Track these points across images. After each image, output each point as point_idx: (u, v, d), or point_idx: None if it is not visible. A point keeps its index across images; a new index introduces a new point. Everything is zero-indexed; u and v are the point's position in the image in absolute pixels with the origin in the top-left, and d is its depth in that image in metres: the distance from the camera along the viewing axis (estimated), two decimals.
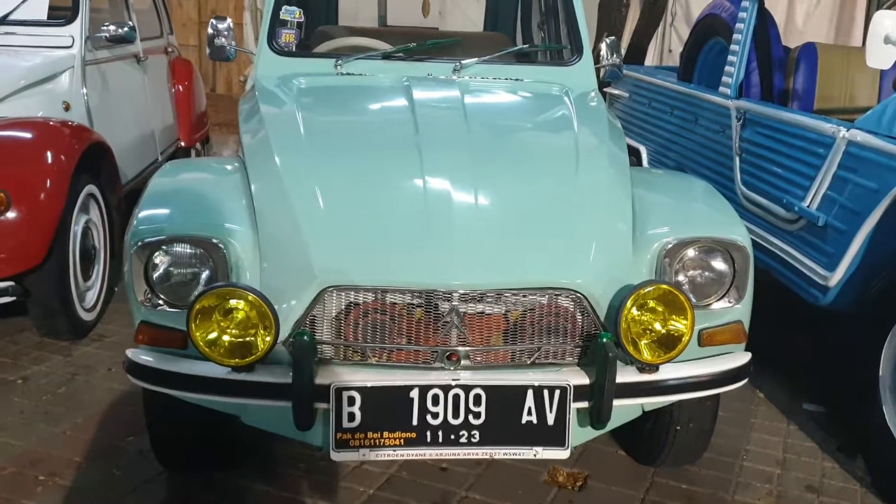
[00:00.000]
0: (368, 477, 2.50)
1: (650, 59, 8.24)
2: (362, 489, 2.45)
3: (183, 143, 5.68)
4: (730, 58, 3.71)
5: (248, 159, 2.32)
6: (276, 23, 3.17)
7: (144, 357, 1.98)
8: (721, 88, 3.74)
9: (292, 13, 3.23)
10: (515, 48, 3.47)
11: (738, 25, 3.67)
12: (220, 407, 2.03)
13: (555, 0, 3.99)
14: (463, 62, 3.03)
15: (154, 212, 2.11)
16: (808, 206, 2.93)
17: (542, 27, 4.09)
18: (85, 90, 4.01)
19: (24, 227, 3.00)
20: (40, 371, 3.17)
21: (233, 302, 1.84)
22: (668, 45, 9.18)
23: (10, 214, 2.98)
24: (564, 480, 2.53)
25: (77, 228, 3.37)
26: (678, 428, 2.38)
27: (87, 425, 2.79)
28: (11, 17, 3.98)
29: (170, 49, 5.74)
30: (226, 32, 3.16)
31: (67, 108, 3.83)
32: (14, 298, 3.07)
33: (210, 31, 3.16)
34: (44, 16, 4.03)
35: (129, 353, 2.01)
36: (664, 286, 1.91)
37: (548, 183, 2.21)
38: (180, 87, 5.72)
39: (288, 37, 3.20)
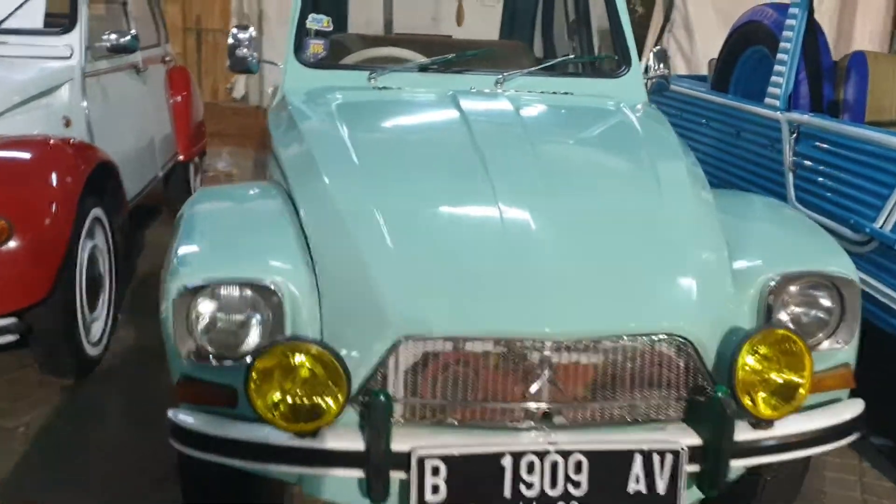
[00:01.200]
0: None
1: None
2: None
3: (181, 158, 5.40)
4: (777, 67, 3.51)
5: (294, 186, 2.08)
6: (303, 32, 2.92)
7: (190, 420, 1.72)
8: (767, 100, 3.54)
9: (320, 22, 2.98)
10: (563, 59, 3.25)
11: (787, 34, 3.47)
12: (279, 476, 1.77)
13: (585, 7, 3.79)
14: (506, 74, 2.80)
15: (195, 250, 1.86)
16: (881, 228, 2.73)
17: (574, 36, 3.88)
18: (85, 104, 3.73)
19: (29, 258, 2.72)
20: (44, 416, 2.88)
21: (297, 358, 1.59)
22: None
23: (13, 244, 2.69)
24: None
25: (84, 256, 3.09)
26: (768, 479, 2.16)
27: (103, 480, 2.51)
28: (4, 26, 3.69)
29: (167, 58, 5.46)
30: (248, 42, 2.91)
31: (68, 124, 3.55)
32: (17, 337, 2.78)
33: (231, 41, 2.91)
34: (39, 24, 3.75)
35: (171, 414, 1.75)
36: (782, 331, 1.70)
37: (633, 211, 1.99)
38: (178, 97, 5.44)
39: (316, 48, 2.95)
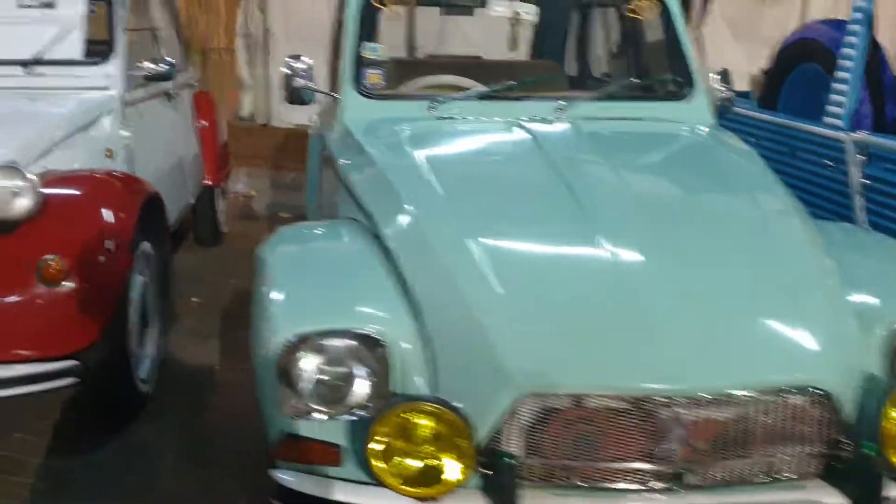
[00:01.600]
0: None
1: None
2: None
3: (210, 183, 5.30)
4: (836, 86, 3.41)
5: (382, 226, 1.98)
6: (359, 62, 2.83)
7: (298, 482, 1.62)
8: (828, 119, 3.44)
9: (375, 50, 2.90)
10: (630, 81, 3.15)
11: (846, 51, 3.38)
12: None
13: (633, 23, 3.70)
14: (568, 101, 2.71)
15: (290, 299, 1.76)
16: None
17: (623, 55, 3.79)
18: (126, 134, 3.64)
19: (86, 297, 2.61)
20: (99, 455, 2.77)
21: (418, 419, 1.49)
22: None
23: (69, 284, 2.58)
24: None
25: (135, 291, 2.99)
26: None
27: None
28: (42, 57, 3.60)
29: (193, 83, 5.38)
30: (304, 73, 2.82)
31: (110, 156, 3.45)
32: (78, 380, 2.66)
33: (286, 70, 2.83)
34: (79, 55, 3.65)
35: (277, 475, 1.65)
36: None
37: (743, 249, 1.88)
38: (205, 122, 5.34)
39: (374, 77, 2.86)
